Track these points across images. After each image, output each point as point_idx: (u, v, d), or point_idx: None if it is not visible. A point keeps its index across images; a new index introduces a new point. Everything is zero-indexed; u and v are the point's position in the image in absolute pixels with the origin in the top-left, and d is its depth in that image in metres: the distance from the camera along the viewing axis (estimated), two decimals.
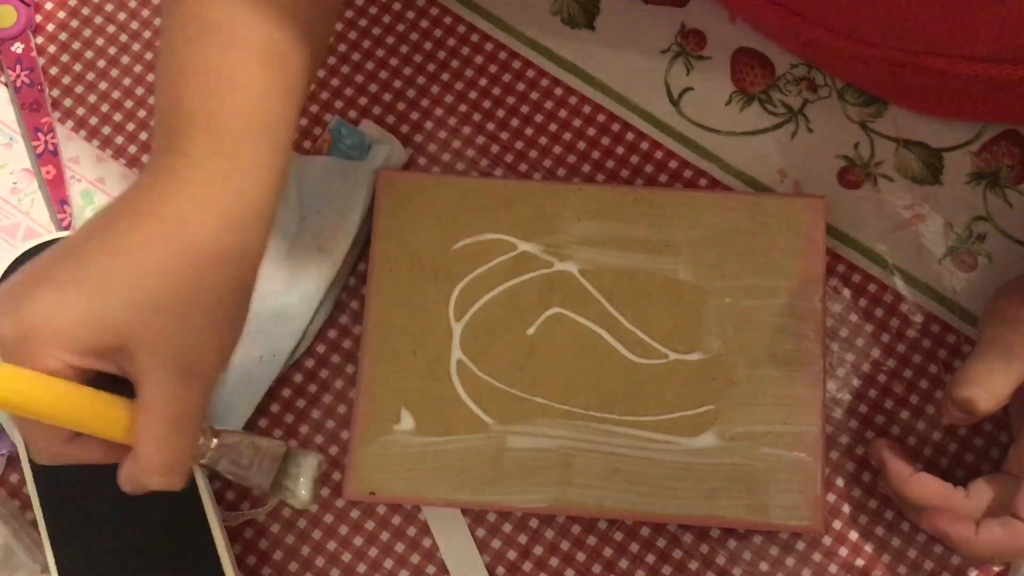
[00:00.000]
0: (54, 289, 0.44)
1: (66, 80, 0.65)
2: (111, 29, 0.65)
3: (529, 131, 0.63)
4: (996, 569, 0.58)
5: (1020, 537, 0.52)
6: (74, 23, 0.65)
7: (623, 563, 0.58)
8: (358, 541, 0.58)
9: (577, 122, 0.64)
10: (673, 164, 0.63)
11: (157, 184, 0.46)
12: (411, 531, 0.58)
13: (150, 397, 0.44)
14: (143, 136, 0.64)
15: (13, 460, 0.59)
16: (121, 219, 0.46)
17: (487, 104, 0.64)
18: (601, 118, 0.64)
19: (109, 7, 0.66)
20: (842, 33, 0.55)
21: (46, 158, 0.63)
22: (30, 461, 0.56)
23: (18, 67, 0.64)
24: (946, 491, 0.55)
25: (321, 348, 0.61)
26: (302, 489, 0.49)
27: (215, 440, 0.48)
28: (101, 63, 0.65)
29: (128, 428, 0.45)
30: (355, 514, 0.59)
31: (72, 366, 0.44)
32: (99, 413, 0.45)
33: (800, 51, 0.63)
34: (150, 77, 0.65)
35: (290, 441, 0.59)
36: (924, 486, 0.55)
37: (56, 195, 0.62)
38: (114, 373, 0.45)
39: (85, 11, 0.66)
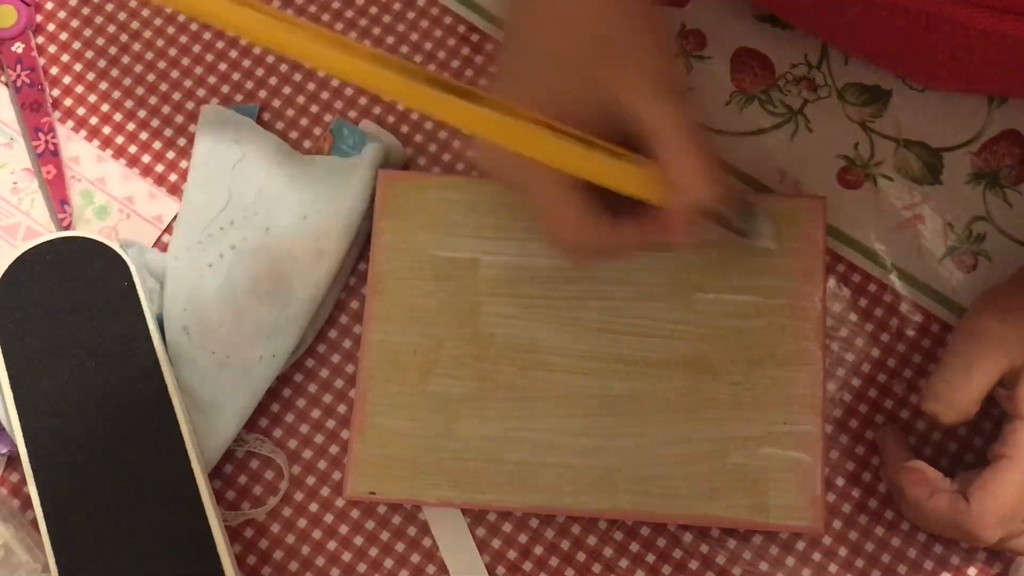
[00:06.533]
0: (523, 83, 0.49)
1: (66, 80, 0.65)
2: (111, 29, 0.65)
3: None
4: (995, 570, 0.58)
5: (960, 515, 0.52)
6: (74, 23, 0.65)
7: (623, 563, 0.58)
8: (358, 541, 0.58)
9: None
10: None
11: None
12: (411, 531, 0.58)
13: (658, 122, 0.48)
14: (143, 136, 0.64)
15: (13, 460, 0.59)
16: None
17: None
18: None
19: (109, 7, 0.66)
20: None
21: (46, 158, 0.63)
22: (30, 460, 0.56)
23: (18, 67, 0.64)
24: (934, 476, 0.55)
25: (321, 348, 0.61)
26: (767, 233, 0.54)
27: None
28: (101, 63, 0.65)
29: (642, 173, 0.49)
30: (355, 514, 0.59)
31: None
32: (612, 162, 0.49)
33: (807, 20, 0.61)
34: (151, 77, 0.65)
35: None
36: (916, 472, 0.55)
37: (56, 195, 0.62)
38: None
39: (85, 11, 0.66)
